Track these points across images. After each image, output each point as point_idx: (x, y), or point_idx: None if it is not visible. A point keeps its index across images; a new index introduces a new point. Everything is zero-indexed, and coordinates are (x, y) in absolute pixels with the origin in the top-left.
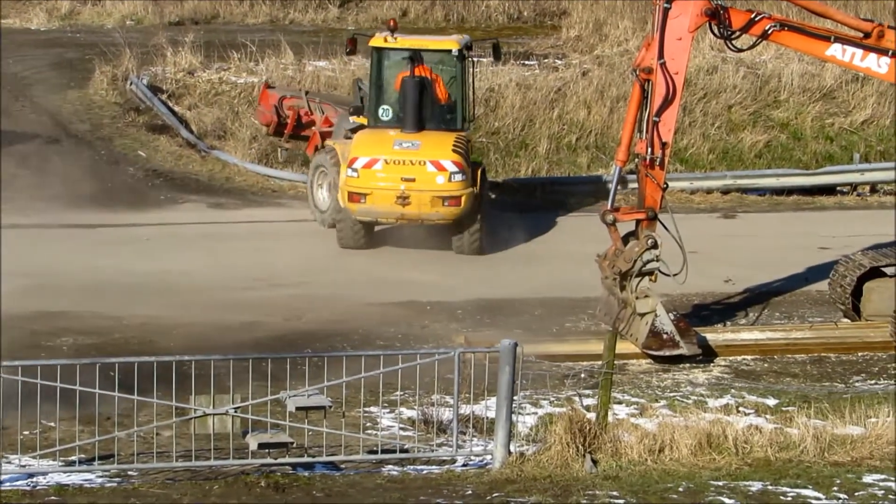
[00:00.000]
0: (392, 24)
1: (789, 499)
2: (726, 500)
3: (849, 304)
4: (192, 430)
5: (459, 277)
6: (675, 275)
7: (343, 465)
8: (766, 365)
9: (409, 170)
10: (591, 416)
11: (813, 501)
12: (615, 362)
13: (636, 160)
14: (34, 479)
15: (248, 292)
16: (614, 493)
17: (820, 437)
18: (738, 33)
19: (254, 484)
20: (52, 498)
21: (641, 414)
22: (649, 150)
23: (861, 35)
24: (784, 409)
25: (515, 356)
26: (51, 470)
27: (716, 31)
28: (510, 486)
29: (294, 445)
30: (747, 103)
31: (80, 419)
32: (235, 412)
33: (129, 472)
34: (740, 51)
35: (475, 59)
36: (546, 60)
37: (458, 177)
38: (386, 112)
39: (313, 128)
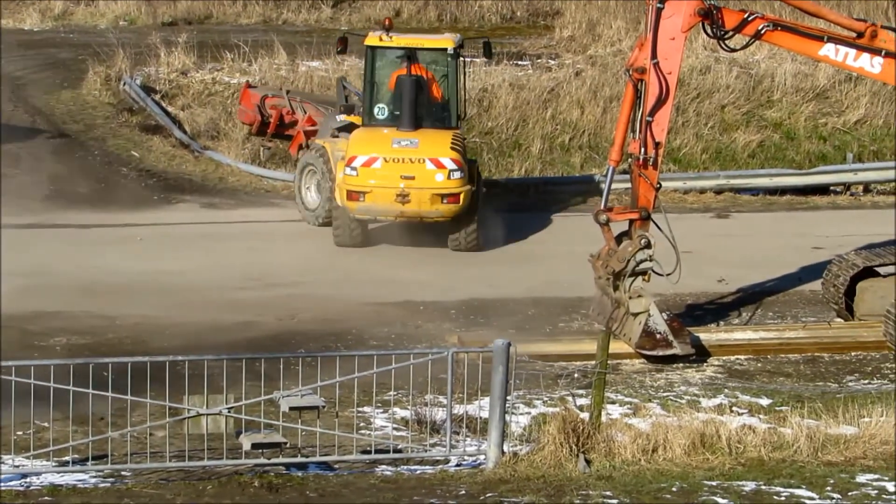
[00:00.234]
0: (387, 22)
1: (783, 499)
2: (720, 500)
3: (842, 304)
4: (186, 430)
5: (453, 277)
6: (668, 275)
7: (336, 465)
8: (759, 365)
9: (408, 168)
10: (585, 415)
11: (806, 501)
12: (608, 362)
13: (629, 160)
14: (28, 480)
15: (242, 292)
16: (608, 492)
17: (813, 436)
18: (731, 33)
19: (247, 484)
20: (46, 498)
21: (635, 414)
22: (642, 149)
23: (854, 35)
24: (777, 408)
25: (509, 356)
26: (44, 470)
27: (709, 30)
28: (504, 486)
29: (287, 445)
30: (740, 103)
31: (73, 419)
32: (229, 412)
33: (123, 473)
34: (733, 51)
35: (469, 59)
36: (539, 60)
37: (457, 174)
38: (381, 111)
39: (296, 127)
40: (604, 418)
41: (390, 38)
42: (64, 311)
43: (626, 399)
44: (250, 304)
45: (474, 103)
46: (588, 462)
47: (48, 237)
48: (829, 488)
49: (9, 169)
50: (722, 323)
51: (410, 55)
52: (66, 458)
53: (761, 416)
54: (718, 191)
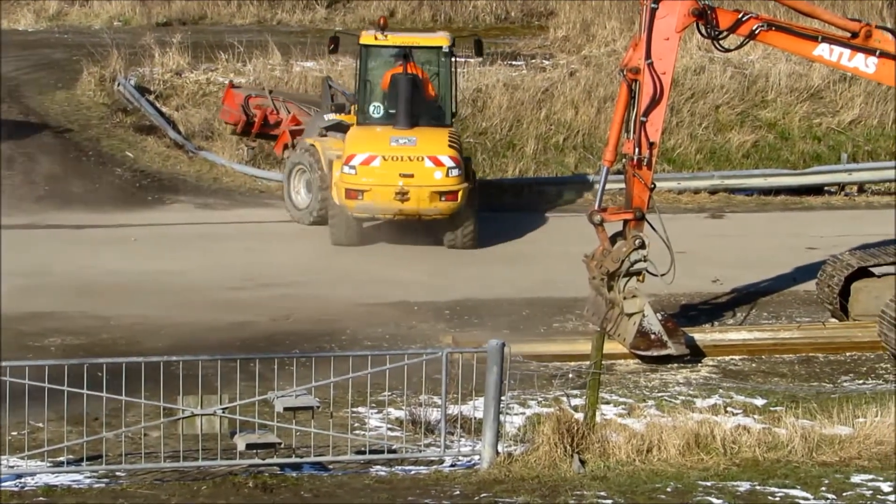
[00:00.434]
0: (382, 21)
1: (777, 499)
2: (714, 501)
3: (837, 304)
4: (181, 430)
5: (447, 277)
6: (662, 275)
7: (331, 466)
8: (754, 365)
9: (407, 166)
10: (579, 416)
11: (801, 502)
12: (603, 362)
13: (624, 160)
14: (22, 480)
15: (237, 292)
16: (602, 493)
17: (808, 437)
18: (725, 33)
19: (242, 484)
20: (41, 499)
21: (629, 414)
22: (637, 150)
23: (849, 35)
24: (772, 409)
25: (503, 356)
26: (39, 471)
27: (703, 31)
28: (498, 487)
29: (282, 446)
30: (735, 103)
31: (68, 420)
32: (223, 413)
33: (118, 473)
34: (728, 51)
35: (464, 59)
36: (533, 61)
37: (455, 172)
38: (377, 109)
39: (281, 127)
40: (598, 419)
41: (385, 37)
42: (58, 311)
43: (621, 399)
44: (245, 304)
45: (468, 103)
46: (583, 462)
47: (43, 238)
48: (823, 489)
49: (3, 170)
50: (716, 323)
51: (407, 54)
52: (61, 458)
53: (756, 417)
54: (713, 191)
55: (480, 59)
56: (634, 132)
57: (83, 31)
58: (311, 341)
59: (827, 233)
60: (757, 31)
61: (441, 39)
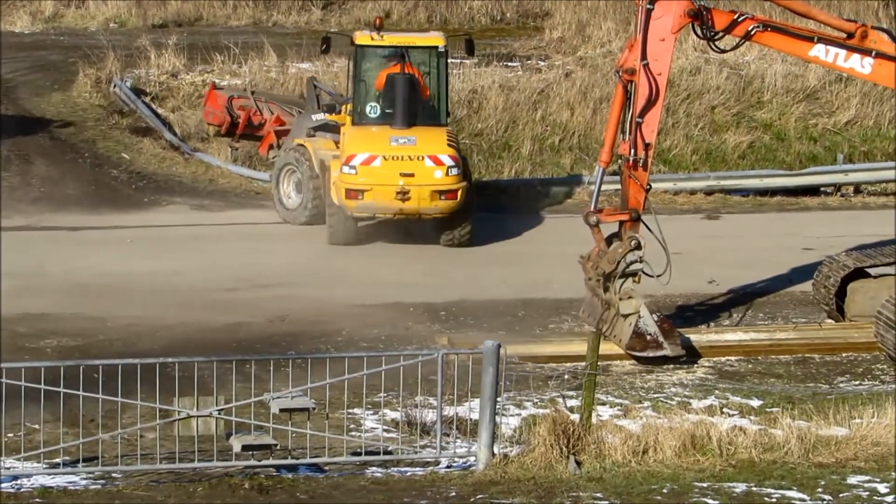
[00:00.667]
0: (378, 22)
1: (774, 500)
2: (710, 502)
3: (833, 305)
4: (176, 431)
5: (443, 278)
6: (658, 276)
7: (327, 467)
8: (750, 366)
9: (407, 165)
10: (575, 417)
11: (797, 503)
12: (599, 363)
13: (619, 161)
14: (18, 482)
15: (232, 294)
16: (598, 494)
17: (804, 438)
18: (721, 34)
19: (238, 486)
20: (37, 500)
21: (625, 415)
22: (632, 151)
23: (844, 35)
24: (768, 410)
25: (499, 357)
26: (35, 472)
27: (699, 31)
28: (494, 488)
29: (278, 447)
30: (730, 104)
31: (64, 421)
32: (219, 414)
33: (114, 474)
34: (723, 52)
35: (459, 60)
36: (529, 62)
37: (455, 171)
38: (374, 109)
39: (265, 127)
40: (594, 420)
41: (381, 37)
42: (54, 313)
43: (617, 400)
44: (241, 305)
45: (464, 105)
46: (578, 463)
47: (39, 239)
48: (820, 490)
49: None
50: (712, 324)
51: (403, 53)
52: (57, 459)
53: (752, 418)
54: (709, 192)
55: (473, 60)
56: (630, 133)
57: (79, 32)
58: (307, 342)
59: (823, 233)
60: (752, 32)
61: (436, 39)
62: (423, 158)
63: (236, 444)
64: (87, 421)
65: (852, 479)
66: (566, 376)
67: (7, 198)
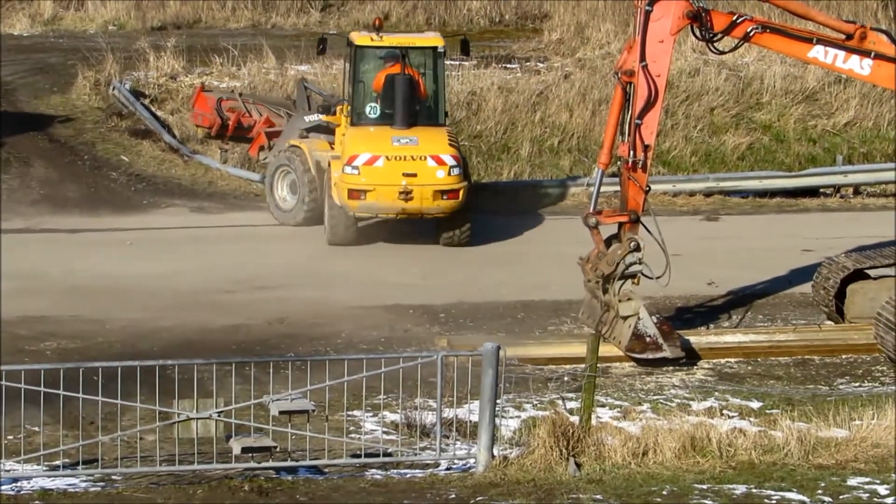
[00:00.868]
0: (377, 22)
1: (773, 502)
2: None
3: (832, 307)
4: (176, 434)
5: (442, 279)
6: (657, 277)
7: (326, 469)
8: (749, 367)
9: (410, 165)
10: (575, 419)
11: None
12: (598, 365)
13: (618, 163)
14: (18, 484)
15: (231, 295)
16: (598, 496)
17: (804, 439)
18: (720, 35)
19: (237, 488)
20: (37, 502)
21: (625, 417)
22: (632, 152)
23: (843, 37)
24: (768, 411)
25: (498, 359)
26: (35, 474)
27: (698, 33)
28: (493, 490)
29: (277, 449)
30: (729, 105)
31: (63, 424)
32: (219, 416)
33: (113, 477)
34: (722, 53)
35: (458, 63)
36: (528, 63)
37: (456, 170)
38: (373, 110)
39: (255, 128)
40: (594, 422)
41: (380, 37)
42: (54, 315)
43: (616, 402)
44: (240, 307)
45: (463, 106)
46: (578, 465)
47: (38, 241)
48: (820, 491)
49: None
50: (712, 326)
51: (404, 54)
52: (57, 462)
53: (752, 419)
54: (708, 193)
55: (470, 61)
56: (629, 135)
57: (78, 35)
58: (306, 344)
59: (822, 235)
60: (751, 34)
61: (435, 40)
62: (425, 158)
63: (236, 446)
64: (86, 423)
65: (852, 481)
66: (566, 378)
67: (6, 200)
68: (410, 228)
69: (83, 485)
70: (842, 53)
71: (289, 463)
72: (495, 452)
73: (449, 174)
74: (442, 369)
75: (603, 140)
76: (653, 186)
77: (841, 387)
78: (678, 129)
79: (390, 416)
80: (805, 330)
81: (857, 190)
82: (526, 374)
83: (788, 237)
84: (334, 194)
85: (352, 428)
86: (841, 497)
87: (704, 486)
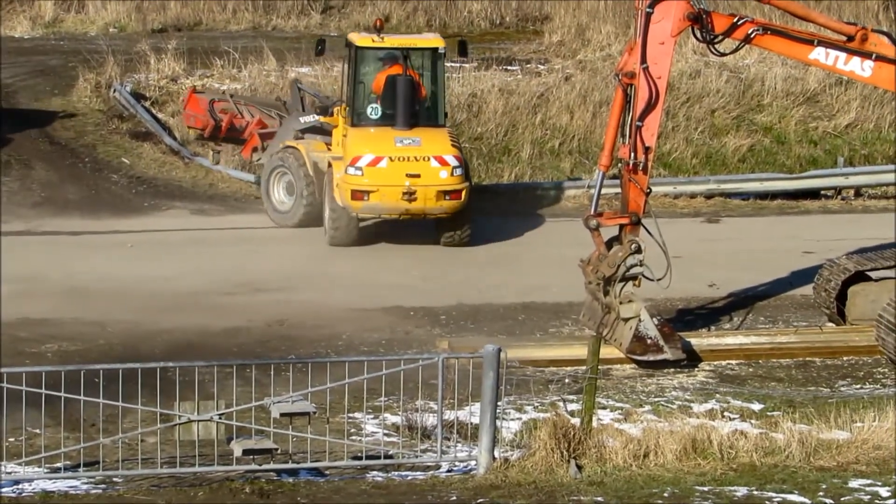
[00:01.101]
0: (378, 24)
1: None
2: None
3: (833, 309)
4: (177, 436)
5: (443, 282)
6: (659, 279)
7: (327, 471)
8: (750, 369)
9: (413, 166)
10: (576, 421)
11: None
12: (599, 367)
13: (619, 165)
14: (20, 486)
15: (232, 298)
16: (599, 498)
17: (805, 441)
18: (720, 37)
19: (238, 490)
20: None
21: (626, 419)
22: (632, 154)
23: (844, 38)
24: (769, 413)
25: (499, 361)
26: (36, 477)
27: (698, 35)
28: (495, 492)
29: (278, 451)
30: (730, 107)
31: (64, 426)
32: (220, 418)
33: (114, 479)
34: (723, 55)
35: (459, 65)
36: (528, 65)
37: (459, 171)
38: (374, 111)
39: (248, 130)
40: (595, 423)
41: (381, 38)
42: (55, 317)
43: (617, 404)
44: (240, 309)
45: (464, 108)
46: (579, 467)
47: (39, 244)
48: (821, 493)
49: (1, 177)
50: (713, 328)
51: (405, 55)
52: (59, 464)
53: (753, 421)
54: (709, 195)
55: (468, 62)
56: (630, 137)
57: (79, 37)
58: (307, 346)
59: (823, 237)
60: (752, 35)
61: (435, 41)
62: (428, 159)
63: (237, 448)
64: (87, 425)
65: (853, 483)
66: (567, 380)
67: (7, 202)
68: (410, 229)
69: (84, 487)
70: (843, 55)
71: (290, 465)
72: (496, 454)
73: (452, 174)
74: (443, 371)
75: (604, 142)
76: (654, 188)
77: (842, 389)
78: (679, 131)
79: (391, 419)
80: (806, 332)
81: (858, 192)
82: (527, 376)
83: (789, 239)
84: (336, 195)
85: (353, 430)
86: (842, 499)
87: (706, 488)
